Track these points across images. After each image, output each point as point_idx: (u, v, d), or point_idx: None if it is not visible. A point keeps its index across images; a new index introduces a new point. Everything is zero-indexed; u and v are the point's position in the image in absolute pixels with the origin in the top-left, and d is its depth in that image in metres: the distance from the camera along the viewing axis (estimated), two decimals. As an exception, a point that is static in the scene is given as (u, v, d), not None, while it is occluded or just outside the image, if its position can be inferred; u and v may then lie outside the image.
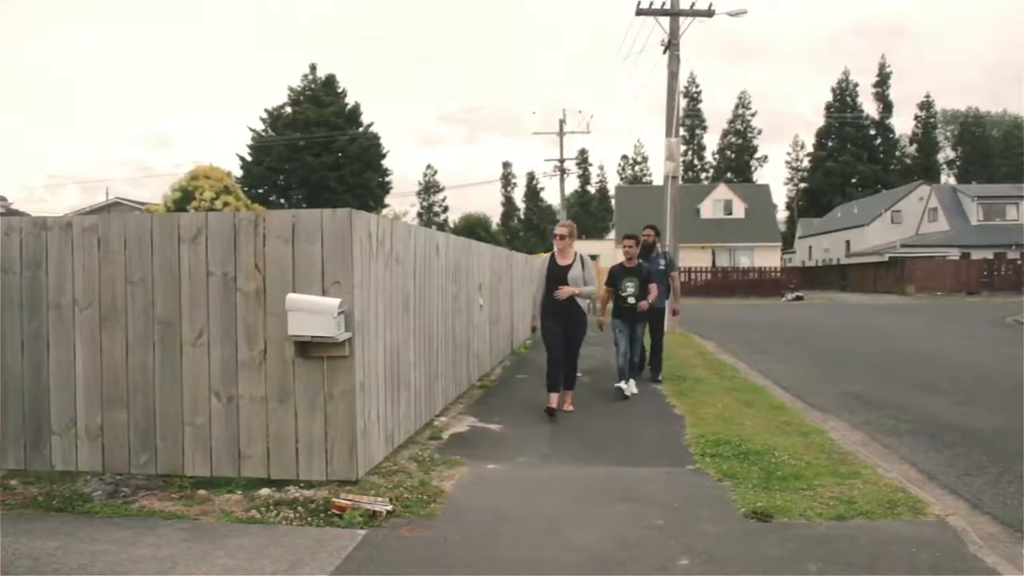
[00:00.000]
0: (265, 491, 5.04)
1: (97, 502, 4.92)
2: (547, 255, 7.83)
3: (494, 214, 78.01)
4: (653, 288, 8.80)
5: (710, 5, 19.17)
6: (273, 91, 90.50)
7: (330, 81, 52.75)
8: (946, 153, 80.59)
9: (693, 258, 42.08)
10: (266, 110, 51.82)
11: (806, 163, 77.35)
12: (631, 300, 8.64)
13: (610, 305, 9.12)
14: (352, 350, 5.12)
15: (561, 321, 7.66)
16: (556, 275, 7.66)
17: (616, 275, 8.89)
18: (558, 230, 7.88)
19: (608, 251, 49.78)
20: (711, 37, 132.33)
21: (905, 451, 6.52)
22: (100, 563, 3.96)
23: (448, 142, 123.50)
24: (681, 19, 18.77)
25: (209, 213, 5.59)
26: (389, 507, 4.69)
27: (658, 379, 9.91)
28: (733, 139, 78.76)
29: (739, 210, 49.60)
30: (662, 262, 9.95)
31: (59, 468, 5.45)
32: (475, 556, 4.01)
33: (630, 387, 8.84)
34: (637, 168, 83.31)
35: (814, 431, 6.99)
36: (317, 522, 4.55)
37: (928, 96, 76.39)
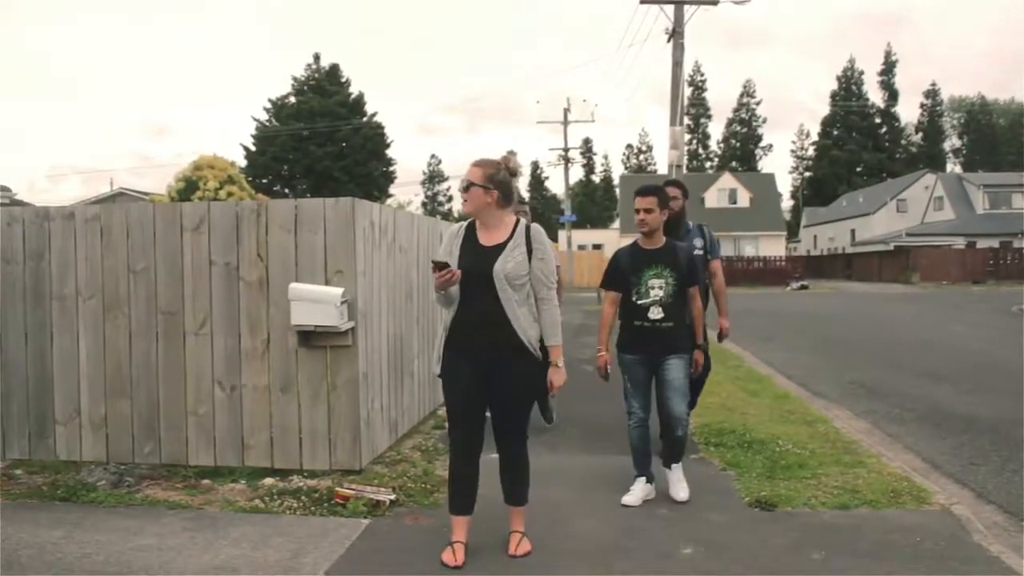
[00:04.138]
0: (268, 481, 5.05)
1: (101, 492, 4.93)
2: (457, 225, 4.01)
3: (498, 203, 77.72)
4: (696, 297, 4.89)
5: (715, -8, 19.04)
6: (276, 81, 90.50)
7: (334, 71, 52.59)
8: (952, 141, 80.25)
9: (698, 247, 41.91)
10: (270, 100, 51.69)
11: (811, 152, 77.06)
12: (655, 315, 4.61)
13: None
14: (355, 339, 5.11)
15: (481, 364, 3.79)
16: (477, 266, 3.76)
17: (625, 266, 4.74)
18: (469, 173, 3.83)
19: (613, 241, 49.71)
20: (716, 25, 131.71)
21: (910, 440, 6.50)
22: (104, 552, 3.97)
23: (451, 131, 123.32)
24: (685, 7, 18.64)
25: (211, 202, 5.59)
26: (392, 496, 4.70)
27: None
28: (738, 128, 78.43)
29: (744, 199, 49.46)
30: (699, 242, 5.64)
31: (63, 458, 5.47)
32: (478, 545, 4.00)
33: (675, 483, 4.87)
34: (642, 157, 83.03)
35: (818, 420, 6.98)
36: (320, 511, 4.55)
37: (934, 84, 76.32)
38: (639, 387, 4.77)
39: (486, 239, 3.83)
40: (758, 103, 79.03)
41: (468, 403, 3.85)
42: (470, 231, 3.89)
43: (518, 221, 3.94)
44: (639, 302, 4.65)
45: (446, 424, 6.63)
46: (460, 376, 3.81)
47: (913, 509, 4.57)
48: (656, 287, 4.63)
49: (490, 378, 3.79)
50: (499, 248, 3.80)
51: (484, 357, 3.77)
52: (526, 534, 4.02)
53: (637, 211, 4.69)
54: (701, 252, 5.59)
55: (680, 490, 4.80)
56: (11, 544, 4.07)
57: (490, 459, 4.00)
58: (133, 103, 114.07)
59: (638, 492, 4.81)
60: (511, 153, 3.96)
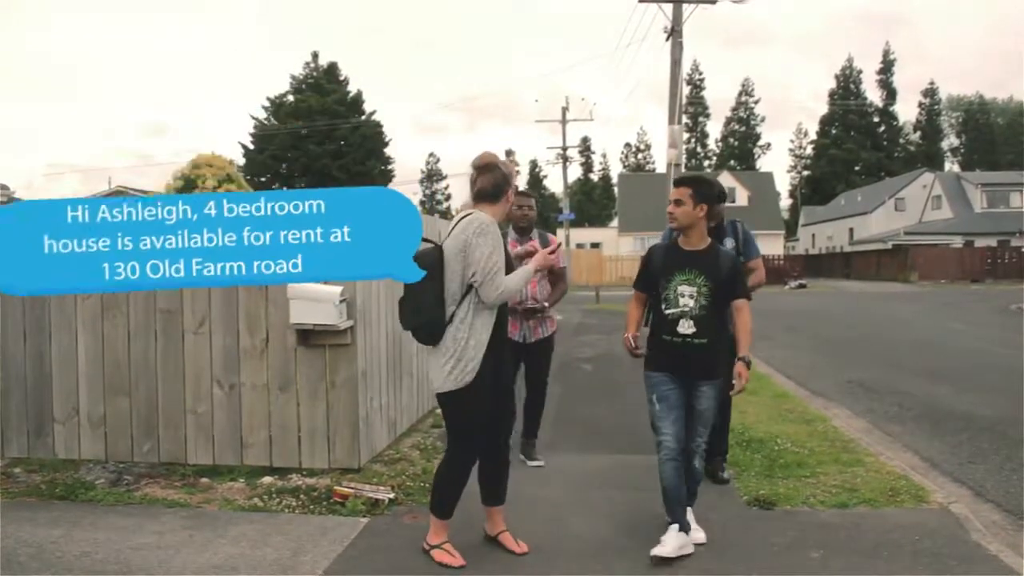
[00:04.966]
0: (267, 479, 5.05)
1: (100, 490, 4.93)
2: (494, 224, 3.70)
3: (497, 202, 77.68)
4: (744, 310, 4.04)
5: (713, -9, 19.01)
6: (275, 79, 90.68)
7: (332, 69, 52.60)
8: (950, 140, 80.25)
9: (696, 246, 41.89)
10: (268, 98, 51.73)
11: (809, 150, 77.07)
12: (684, 329, 3.92)
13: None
14: (354, 338, 5.11)
15: (494, 367, 3.75)
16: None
17: (656, 265, 4.09)
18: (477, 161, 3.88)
19: (611, 240, 49.72)
20: (714, 24, 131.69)
21: (908, 439, 6.51)
22: (103, 551, 3.97)
23: (450, 130, 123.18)
24: (684, 6, 18.63)
25: (210, 201, 5.57)
26: (391, 495, 4.70)
27: (723, 475, 5.15)
28: (736, 126, 78.39)
29: (742, 198, 49.52)
30: (729, 242, 5.10)
31: (62, 456, 5.46)
32: (476, 543, 4.01)
33: (691, 536, 3.96)
34: (640, 156, 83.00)
35: (817, 419, 6.98)
36: (319, 510, 4.55)
37: (932, 83, 76.02)
38: (671, 409, 3.93)
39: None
40: (756, 102, 79.05)
41: (488, 412, 3.78)
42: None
43: None
44: (667, 311, 3.95)
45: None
46: (487, 387, 3.71)
47: (912, 508, 4.57)
48: (686, 295, 3.91)
49: (497, 380, 3.80)
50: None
51: (498, 358, 3.78)
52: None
53: (669, 202, 4.11)
54: (734, 250, 4.99)
55: (697, 534, 4.04)
56: (10, 543, 4.06)
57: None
58: (133, 102, 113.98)
59: (671, 542, 3.83)
60: (510, 152, 3.99)
